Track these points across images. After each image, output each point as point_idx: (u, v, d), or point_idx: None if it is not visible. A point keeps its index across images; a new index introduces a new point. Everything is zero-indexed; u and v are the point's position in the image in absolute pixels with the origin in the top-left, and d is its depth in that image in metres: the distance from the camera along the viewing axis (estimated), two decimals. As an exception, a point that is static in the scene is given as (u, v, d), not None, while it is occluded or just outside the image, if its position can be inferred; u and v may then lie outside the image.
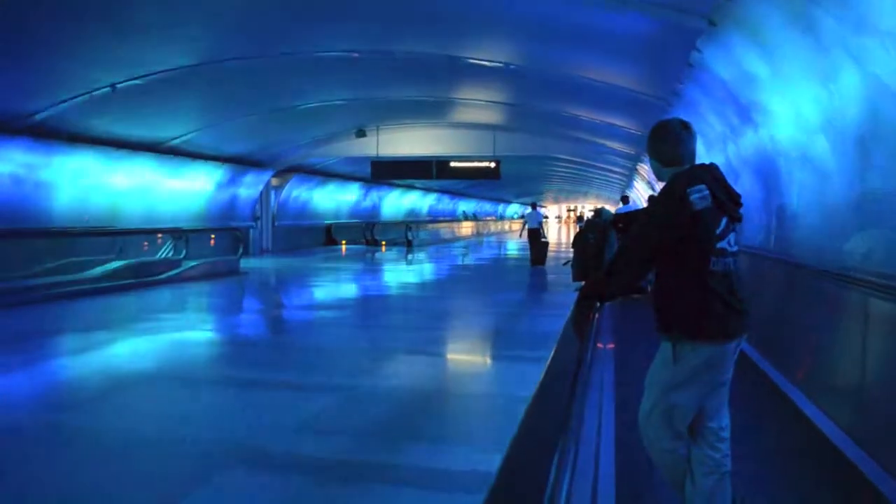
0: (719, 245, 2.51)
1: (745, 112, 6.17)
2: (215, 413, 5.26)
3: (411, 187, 35.83)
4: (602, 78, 9.89)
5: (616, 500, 3.17)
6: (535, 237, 17.77)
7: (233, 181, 19.35)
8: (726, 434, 2.70)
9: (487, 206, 58.96)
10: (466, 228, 43.04)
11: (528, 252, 18.11)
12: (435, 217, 40.78)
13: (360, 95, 15.04)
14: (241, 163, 19.26)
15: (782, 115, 5.22)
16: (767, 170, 6.33)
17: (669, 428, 2.63)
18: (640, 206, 15.42)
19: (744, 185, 7.53)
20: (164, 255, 14.43)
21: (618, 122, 13.44)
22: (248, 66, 11.52)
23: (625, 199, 16.72)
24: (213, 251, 17.91)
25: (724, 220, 2.54)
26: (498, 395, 5.57)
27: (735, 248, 2.58)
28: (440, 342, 8.09)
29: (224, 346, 8.07)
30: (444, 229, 37.32)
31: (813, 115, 4.51)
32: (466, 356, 7.45)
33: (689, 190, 2.46)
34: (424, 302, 12.13)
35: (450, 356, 7.29)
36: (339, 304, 11.78)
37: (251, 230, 21.03)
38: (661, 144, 2.67)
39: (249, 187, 20.31)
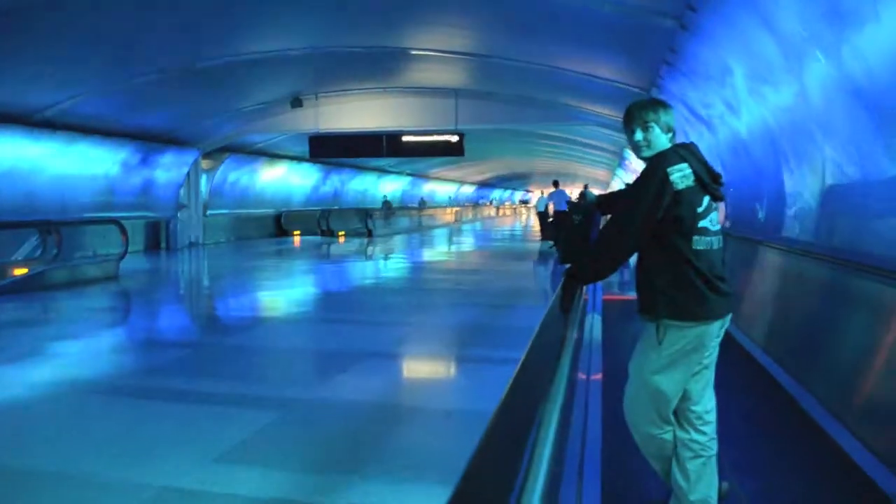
0: (701, 224, 2.47)
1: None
2: None
3: (383, 171, 32.54)
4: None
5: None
6: (543, 218, 20.61)
7: (145, 162, 16.09)
8: (712, 417, 2.65)
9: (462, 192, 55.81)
10: (448, 215, 39.75)
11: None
12: (405, 203, 37.57)
13: (292, 45, 11.71)
14: (155, 140, 15.99)
15: None
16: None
17: (655, 412, 2.58)
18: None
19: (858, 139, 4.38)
20: (22, 256, 11.19)
21: (607, 72, 10.32)
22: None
23: (556, 184, 17.84)
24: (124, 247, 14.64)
25: (705, 199, 2.50)
26: None
27: (717, 227, 2.55)
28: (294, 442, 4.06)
29: None
30: (413, 216, 33.98)
31: None
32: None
33: (670, 169, 2.43)
34: (336, 333, 7.67)
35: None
36: (194, 343, 7.57)
37: (172, 221, 17.70)
38: (669, 113, 2.59)
39: (169, 170, 17.03)
